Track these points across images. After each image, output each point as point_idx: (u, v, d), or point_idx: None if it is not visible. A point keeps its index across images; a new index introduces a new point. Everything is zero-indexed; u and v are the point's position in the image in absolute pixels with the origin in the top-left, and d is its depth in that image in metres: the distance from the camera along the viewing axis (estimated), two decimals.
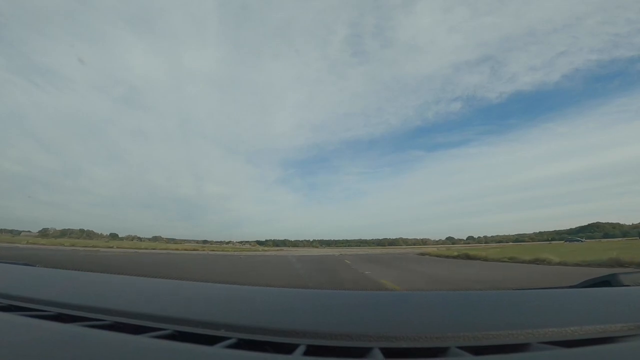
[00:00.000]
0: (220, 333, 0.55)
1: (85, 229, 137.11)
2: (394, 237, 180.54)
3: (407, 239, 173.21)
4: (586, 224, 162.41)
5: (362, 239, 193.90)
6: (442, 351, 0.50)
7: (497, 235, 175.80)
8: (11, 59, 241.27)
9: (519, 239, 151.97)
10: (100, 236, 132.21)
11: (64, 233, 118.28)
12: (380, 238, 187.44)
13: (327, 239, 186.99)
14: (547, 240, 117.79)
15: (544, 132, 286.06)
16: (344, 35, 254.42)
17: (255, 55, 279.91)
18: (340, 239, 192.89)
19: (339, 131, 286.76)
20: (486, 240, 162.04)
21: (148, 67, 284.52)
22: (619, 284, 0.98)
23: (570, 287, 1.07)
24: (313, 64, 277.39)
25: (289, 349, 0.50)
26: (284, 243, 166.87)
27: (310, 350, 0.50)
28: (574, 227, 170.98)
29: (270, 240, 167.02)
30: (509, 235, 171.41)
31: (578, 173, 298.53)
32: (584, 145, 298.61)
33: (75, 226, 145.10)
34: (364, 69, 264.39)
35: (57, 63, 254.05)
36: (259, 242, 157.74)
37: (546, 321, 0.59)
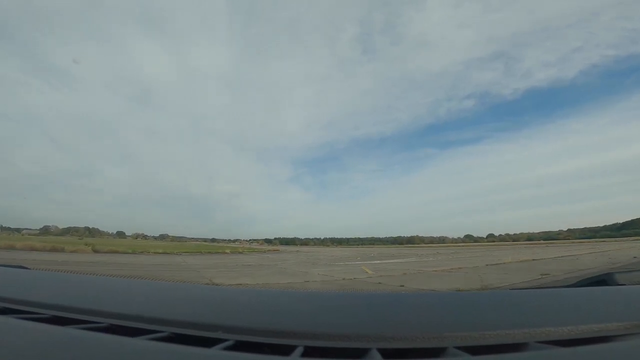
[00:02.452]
0: (218, 335, 0.54)
1: (91, 227, 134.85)
2: (408, 235, 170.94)
3: (423, 237, 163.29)
4: (628, 219, 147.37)
5: (375, 237, 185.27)
6: (440, 351, 0.49)
7: (521, 233, 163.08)
8: (27, 59, 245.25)
9: (550, 236, 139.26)
10: (106, 234, 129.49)
11: (67, 231, 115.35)
12: (395, 236, 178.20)
13: (338, 237, 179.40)
14: (584, 238, 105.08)
15: (560, 128, 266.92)
16: (353, 33, 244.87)
17: (265, 53, 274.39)
18: (352, 237, 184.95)
19: (350, 129, 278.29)
20: (510, 238, 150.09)
21: (160, 67, 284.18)
22: (615, 282, 0.99)
23: (567, 286, 1.06)
24: (322, 62, 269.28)
25: (286, 350, 0.50)
26: (293, 241, 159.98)
27: (308, 352, 0.49)
28: (609, 223, 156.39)
29: (278, 238, 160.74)
30: (534, 233, 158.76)
31: (597, 169, 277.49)
32: (601, 141, 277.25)
33: (85, 224, 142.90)
34: (373, 67, 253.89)
35: (69, 64, 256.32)
36: (267, 241, 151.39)
37: (543, 321, 0.59)
